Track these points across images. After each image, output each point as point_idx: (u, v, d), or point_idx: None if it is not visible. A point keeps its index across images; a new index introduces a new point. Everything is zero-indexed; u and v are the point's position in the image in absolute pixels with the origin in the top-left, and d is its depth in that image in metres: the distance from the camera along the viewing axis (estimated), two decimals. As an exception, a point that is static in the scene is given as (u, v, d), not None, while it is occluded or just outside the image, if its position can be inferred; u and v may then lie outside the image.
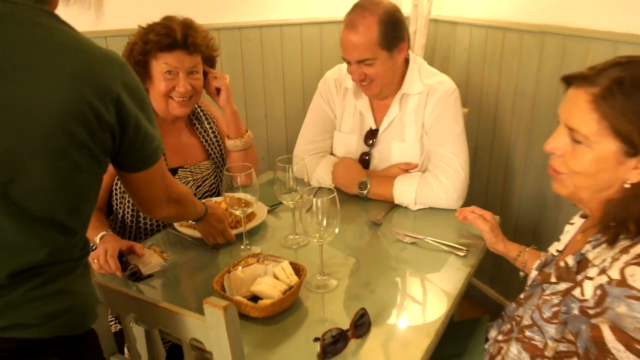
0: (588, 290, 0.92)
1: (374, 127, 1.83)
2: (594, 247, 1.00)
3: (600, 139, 0.94)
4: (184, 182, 1.70)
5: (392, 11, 1.65)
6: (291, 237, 1.53)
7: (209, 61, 1.71)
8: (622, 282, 0.87)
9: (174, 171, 1.68)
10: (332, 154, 1.93)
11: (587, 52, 1.74)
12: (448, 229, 1.59)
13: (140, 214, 1.62)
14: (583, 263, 0.99)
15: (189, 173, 1.72)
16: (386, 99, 1.79)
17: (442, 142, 1.70)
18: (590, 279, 0.93)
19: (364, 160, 1.85)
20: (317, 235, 1.25)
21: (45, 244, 0.83)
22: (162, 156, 1.02)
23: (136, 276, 1.33)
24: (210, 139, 1.78)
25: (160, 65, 1.56)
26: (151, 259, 1.40)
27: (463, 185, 1.67)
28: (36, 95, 0.77)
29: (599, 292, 0.90)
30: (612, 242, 0.95)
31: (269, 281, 1.20)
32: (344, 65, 1.84)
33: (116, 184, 1.64)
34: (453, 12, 2.40)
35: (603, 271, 0.91)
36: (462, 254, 1.43)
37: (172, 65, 1.55)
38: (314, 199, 1.20)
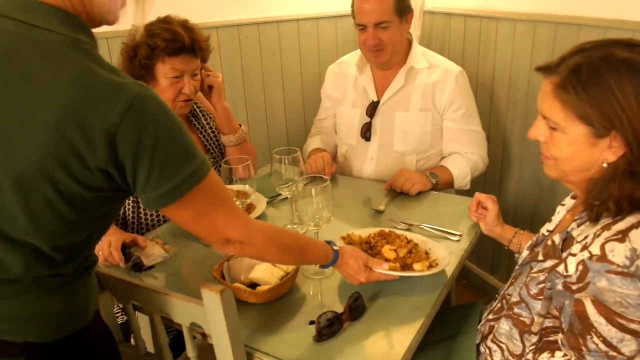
0: (571, 266, 0.95)
1: (375, 100, 1.93)
2: (579, 225, 1.03)
3: (569, 124, 0.97)
4: None
5: None
6: (289, 226, 1.57)
7: (203, 61, 1.75)
8: (602, 257, 0.90)
9: None
10: (335, 130, 2.15)
11: (577, 38, 1.76)
12: (443, 216, 1.63)
13: (141, 207, 1.66)
14: (568, 241, 1.03)
15: None
16: (389, 70, 1.92)
17: (469, 122, 1.92)
18: (574, 255, 0.96)
19: (366, 130, 1.95)
20: (313, 223, 1.30)
21: (20, 261, 0.83)
22: (190, 197, 0.87)
23: (138, 267, 1.38)
24: (208, 134, 1.83)
25: (167, 69, 1.59)
26: (153, 250, 1.44)
27: (487, 148, 1.98)
28: (23, 131, 0.76)
29: (581, 267, 0.93)
30: (594, 220, 0.99)
31: (267, 268, 1.25)
32: (345, 56, 2.08)
33: None
34: (447, 4, 2.42)
35: (585, 247, 0.94)
36: (455, 239, 1.46)
37: (179, 69, 1.59)
38: (308, 188, 1.24)
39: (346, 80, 2.02)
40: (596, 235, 0.94)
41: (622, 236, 0.90)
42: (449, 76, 1.87)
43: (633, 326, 0.88)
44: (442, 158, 1.96)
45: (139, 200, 1.63)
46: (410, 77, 1.90)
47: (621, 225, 0.93)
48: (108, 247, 1.38)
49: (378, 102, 1.93)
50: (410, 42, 1.92)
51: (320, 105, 2.19)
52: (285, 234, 1.16)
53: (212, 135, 1.83)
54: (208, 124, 1.83)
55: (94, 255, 0.97)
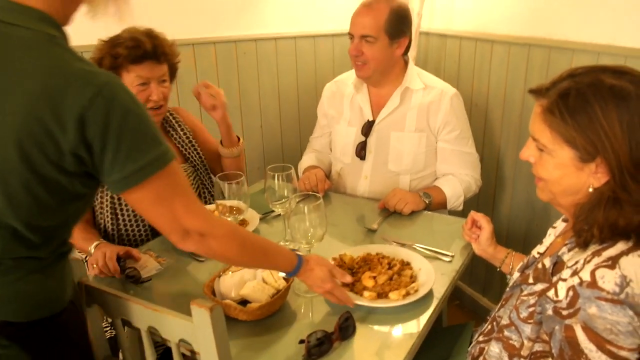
0: (561, 291, 0.95)
1: (371, 119, 1.94)
2: (569, 250, 1.03)
3: (556, 147, 0.99)
4: None
5: (403, 7, 1.84)
6: (282, 243, 1.56)
7: (172, 68, 1.74)
8: (593, 284, 0.90)
9: None
10: (330, 148, 2.15)
11: (570, 62, 1.79)
12: (436, 235, 1.64)
13: (120, 223, 1.65)
14: (559, 265, 1.03)
15: None
16: (383, 89, 1.93)
17: (463, 143, 1.93)
18: (564, 280, 0.96)
19: (361, 149, 1.96)
20: (305, 241, 1.30)
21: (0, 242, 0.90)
22: (153, 180, 0.91)
23: (135, 279, 1.37)
24: (186, 144, 1.84)
25: (132, 77, 1.59)
26: (147, 263, 1.44)
27: (480, 170, 1.99)
28: (3, 116, 0.83)
29: (571, 293, 0.93)
30: (583, 246, 0.99)
31: (258, 285, 1.24)
32: (343, 75, 2.09)
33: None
34: (443, 25, 2.45)
35: (575, 273, 0.94)
36: (447, 259, 1.46)
37: (144, 76, 1.60)
38: (300, 205, 1.24)
39: (343, 98, 2.03)
40: (586, 261, 0.94)
41: (613, 263, 0.90)
42: (444, 98, 1.88)
43: (623, 353, 0.88)
44: (436, 179, 1.97)
45: (117, 211, 1.63)
46: (406, 97, 1.91)
47: (611, 251, 0.93)
48: (103, 258, 1.38)
49: (373, 121, 1.94)
50: (406, 63, 1.93)
51: (316, 122, 2.19)
52: (248, 232, 1.18)
53: (189, 145, 1.84)
54: (185, 134, 1.85)
55: (69, 243, 1.02)
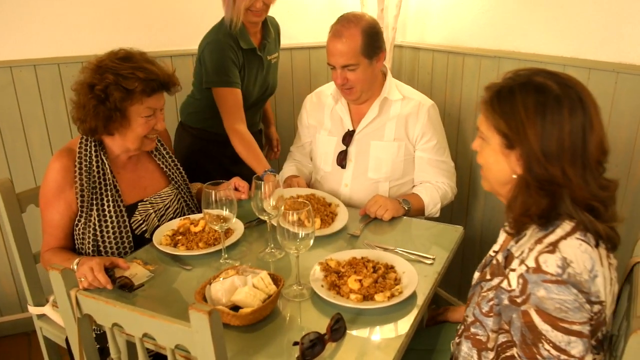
0: (513, 281, 1.04)
1: (351, 129, 2.00)
2: (517, 242, 1.12)
3: (490, 134, 1.10)
4: (145, 216, 1.71)
5: (372, 24, 1.87)
6: (268, 251, 1.59)
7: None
8: (537, 269, 0.99)
9: (133, 207, 1.68)
10: (311, 157, 2.21)
11: (538, 74, 1.88)
12: (416, 240, 1.69)
13: (100, 245, 1.60)
14: (509, 258, 1.11)
15: (149, 205, 1.72)
16: (364, 103, 1.99)
17: (440, 153, 2.01)
18: (514, 270, 1.05)
19: (342, 159, 2.01)
20: (294, 247, 1.33)
21: None
22: None
23: (128, 287, 1.38)
24: (169, 165, 1.81)
25: (142, 109, 1.56)
26: (137, 270, 1.44)
27: (455, 179, 2.07)
28: None
29: (521, 280, 1.02)
30: (515, 235, 1.11)
31: (249, 291, 1.26)
32: (323, 86, 2.14)
33: (76, 226, 1.62)
34: (416, 39, 2.54)
35: (522, 261, 1.03)
36: (429, 262, 1.52)
37: (153, 107, 1.59)
38: (289, 212, 1.28)
39: (323, 109, 2.08)
40: (530, 249, 1.03)
41: (553, 247, 1.00)
42: (421, 109, 1.95)
43: (575, 327, 0.97)
44: (414, 186, 2.04)
45: (97, 237, 1.60)
46: (385, 107, 1.97)
47: (551, 237, 1.02)
48: (91, 272, 1.36)
49: (354, 131, 1.99)
50: (384, 74, 2.00)
51: (297, 133, 2.23)
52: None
53: (173, 166, 1.82)
54: (169, 155, 1.82)
55: None
